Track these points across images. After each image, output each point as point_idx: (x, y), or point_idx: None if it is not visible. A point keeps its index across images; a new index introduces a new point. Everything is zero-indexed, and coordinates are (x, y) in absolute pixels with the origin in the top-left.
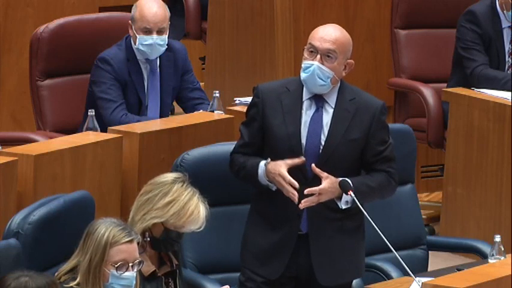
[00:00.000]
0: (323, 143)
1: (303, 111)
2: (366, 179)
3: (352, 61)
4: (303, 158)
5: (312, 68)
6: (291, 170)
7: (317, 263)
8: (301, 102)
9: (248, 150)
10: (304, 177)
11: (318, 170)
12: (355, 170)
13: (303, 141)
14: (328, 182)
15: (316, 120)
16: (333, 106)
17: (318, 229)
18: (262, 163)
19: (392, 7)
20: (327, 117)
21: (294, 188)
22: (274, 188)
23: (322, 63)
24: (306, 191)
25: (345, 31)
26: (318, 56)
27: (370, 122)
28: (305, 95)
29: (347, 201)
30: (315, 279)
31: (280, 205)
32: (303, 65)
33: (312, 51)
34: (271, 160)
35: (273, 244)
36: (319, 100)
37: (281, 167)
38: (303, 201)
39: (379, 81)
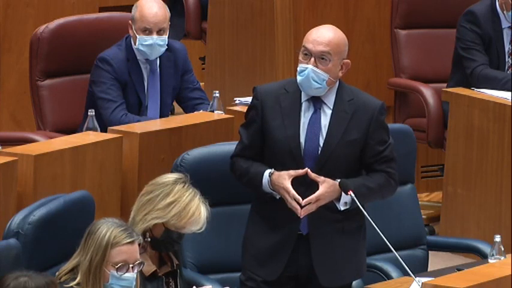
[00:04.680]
0: (321, 144)
1: (302, 113)
2: (364, 180)
3: (348, 61)
4: (306, 169)
5: (306, 72)
6: (292, 169)
7: (318, 264)
8: (300, 104)
9: (248, 153)
10: (304, 179)
11: (313, 175)
12: (354, 171)
13: (302, 143)
14: (325, 186)
15: (315, 122)
16: (331, 107)
17: (318, 230)
18: (267, 173)
19: (392, 7)
20: (325, 119)
21: (298, 202)
22: (278, 197)
23: (317, 66)
24: (303, 202)
25: (339, 31)
26: (312, 59)
27: (368, 123)
28: (303, 97)
29: (346, 203)
30: (316, 280)
31: (280, 206)
32: (298, 69)
33: (306, 54)
34: (272, 163)
35: (272, 245)
36: (317, 101)
37: (285, 179)
38: (301, 210)
39: (379, 81)
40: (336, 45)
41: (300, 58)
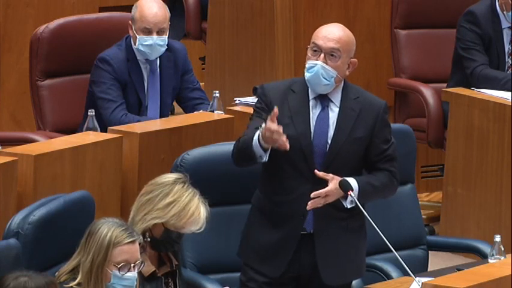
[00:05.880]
0: (330, 141)
1: (309, 111)
2: (370, 178)
3: (355, 60)
4: (275, 109)
5: (315, 68)
6: (299, 169)
7: (322, 262)
8: (308, 103)
9: None
10: (311, 177)
11: (321, 174)
12: (359, 169)
13: (311, 140)
14: (334, 183)
15: (323, 119)
16: (338, 105)
17: (323, 229)
18: (259, 130)
19: (392, 7)
20: (332, 116)
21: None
22: (264, 158)
23: (326, 63)
24: (312, 195)
25: (348, 30)
26: (322, 55)
27: (374, 121)
28: (310, 95)
29: (352, 201)
30: (318, 278)
31: (284, 205)
32: (306, 65)
33: (315, 51)
34: (280, 162)
35: (276, 242)
36: (324, 99)
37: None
38: (309, 203)
39: (379, 81)
40: (346, 42)
41: (309, 54)
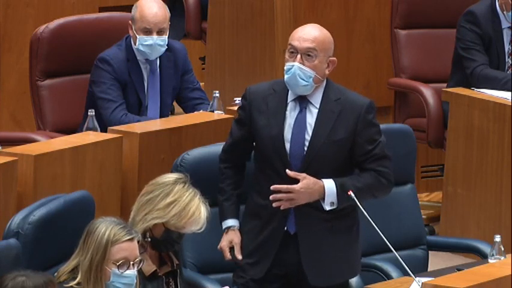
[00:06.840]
0: (307, 144)
1: (287, 113)
2: (352, 179)
3: (334, 59)
4: (240, 257)
5: (292, 70)
6: (278, 171)
7: (307, 263)
8: (286, 104)
9: (236, 150)
10: (291, 178)
11: (292, 174)
12: (343, 171)
13: (288, 143)
14: (304, 182)
15: (300, 121)
16: (317, 107)
17: (306, 229)
18: (230, 222)
19: (392, 7)
20: (311, 118)
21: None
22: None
23: (303, 63)
24: (272, 187)
25: (324, 30)
26: (298, 56)
27: (355, 122)
28: (290, 97)
29: (332, 203)
30: (306, 279)
31: (268, 205)
32: (285, 67)
33: (292, 52)
34: (262, 164)
35: (259, 243)
36: (303, 101)
37: (226, 243)
38: (271, 197)
39: (379, 81)
40: (322, 42)
41: (286, 57)
